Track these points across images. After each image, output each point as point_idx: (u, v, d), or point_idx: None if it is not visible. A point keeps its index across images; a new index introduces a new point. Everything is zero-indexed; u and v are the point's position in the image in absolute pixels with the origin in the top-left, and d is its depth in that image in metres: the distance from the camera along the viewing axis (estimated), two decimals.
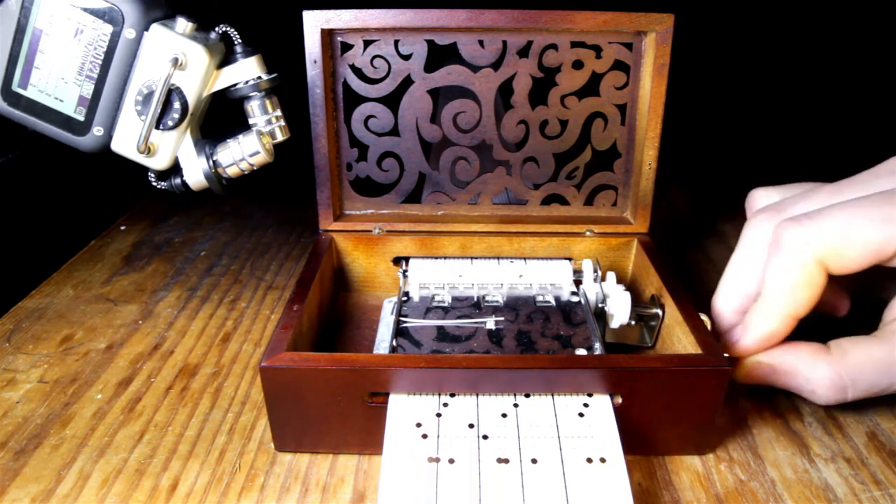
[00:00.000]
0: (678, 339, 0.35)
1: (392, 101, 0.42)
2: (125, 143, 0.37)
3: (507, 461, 0.28)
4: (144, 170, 0.39)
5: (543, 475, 0.28)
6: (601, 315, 0.39)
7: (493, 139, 0.43)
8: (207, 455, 0.33)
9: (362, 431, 0.32)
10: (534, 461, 0.28)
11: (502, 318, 0.38)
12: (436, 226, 0.45)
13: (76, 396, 0.37)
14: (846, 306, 0.37)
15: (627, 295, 0.38)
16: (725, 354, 0.31)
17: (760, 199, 0.37)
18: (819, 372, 0.31)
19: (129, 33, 0.35)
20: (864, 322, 0.34)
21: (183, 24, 0.36)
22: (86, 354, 0.40)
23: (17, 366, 0.39)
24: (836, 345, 0.32)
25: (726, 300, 0.35)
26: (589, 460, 0.29)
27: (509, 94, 0.42)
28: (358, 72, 0.42)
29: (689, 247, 0.54)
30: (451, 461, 0.29)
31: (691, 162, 0.75)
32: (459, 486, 0.27)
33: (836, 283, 0.35)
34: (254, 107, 0.39)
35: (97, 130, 0.37)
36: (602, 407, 0.31)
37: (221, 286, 0.49)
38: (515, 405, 0.31)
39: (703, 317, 0.34)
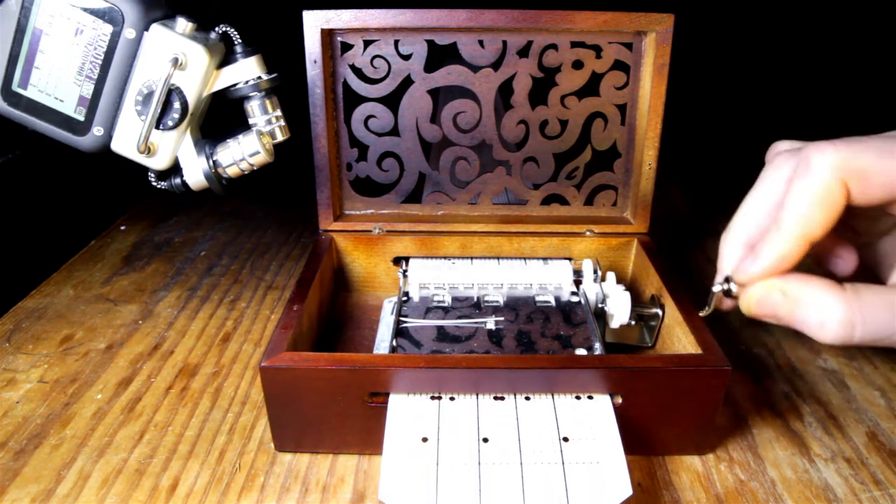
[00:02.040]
0: (678, 339, 0.35)
1: (392, 101, 0.42)
2: (125, 143, 0.37)
3: (502, 398, 0.29)
4: (144, 170, 0.39)
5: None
6: (601, 315, 0.39)
7: (493, 139, 0.43)
8: (207, 455, 0.33)
9: (362, 431, 0.32)
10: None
11: (502, 319, 0.38)
12: (436, 226, 0.45)
13: (76, 396, 0.37)
14: (853, 262, 0.36)
15: (627, 295, 0.38)
16: (733, 286, 0.30)
17: (784, 145, 0.37)
18: (830, 304, 0.30)
19: (129, 33, 0.35)
20: None
21: (183, 24, 0.36)
22: (86, 354, 0.40)
23: (17, 366, 0.39)
24: (850, 285, 0.31)
25: (737, 234, 0.34)
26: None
27: (509, 94, 0.42)
28: (358, 72, 0.42)
29: (689, 247, 0.54)
30: (452, 399, 0.29)
31: (691, 162, 0.75)
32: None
33: (845, 238, 0.35)
34: (254, 107, 0.38)
35: (97, 130, 0.37)
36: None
37: (221, 286, 0.49)
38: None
39: (700, 313, 0.33)
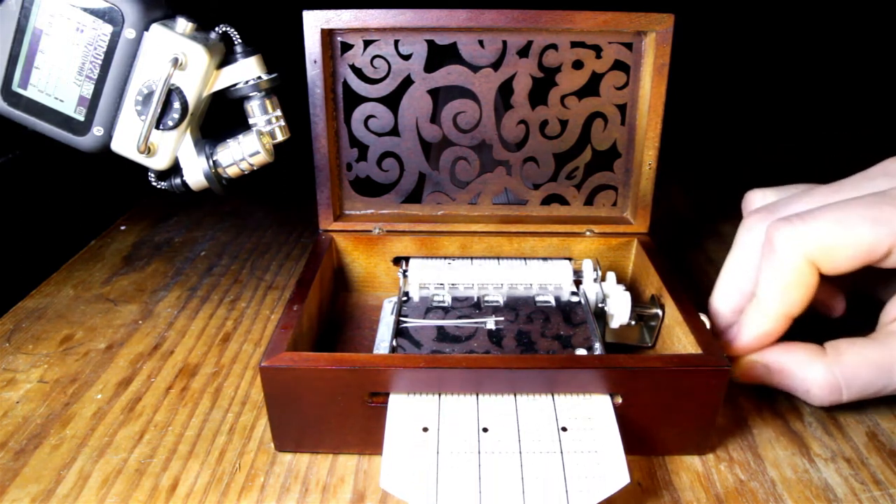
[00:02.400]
0: (678, 339, 0.35)
1: (392, 101, 0.42)
2: (125, 143, 0.37)
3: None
4: (144, 170, 0.39)
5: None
6: (601, 315, 0.39)
7: (493, 139, 0.43)
8: (207, 455, 0.33)
9: (362, 431, 0.32)
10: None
11: (502, 319, 0.38)
12: (436, 226, 0.45)
13: (76, 396, 0.37)
14: (842, 306, 0.37)
15: (627, 295, 0.38)
16: (725, 355, 0.31)
17: (756, 199, 0.38)
18: (814, 372, 0.31)
19: (129, 33, 0.35)
20: (861, 323, 0.34)
21: (183, 24, 0.36)
22: (86, 354, 0.40)
23: (17, 366, 0.39)
24: (831, 346, 0.32)
25: (722, 300, 0.36)
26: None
27: (509, 94, 0.42)
28: (358, 72, 0.42)
29: (689, 247, 0.54)
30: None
31: (691, 162, 0.75)
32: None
33: (832, 283, 0.35)
34: (254, 107, 0.38)
35: (97, 130, 0.37)
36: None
37: (221, 286, 0.49)
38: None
39: (703, 317, 0.34)
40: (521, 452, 0.29)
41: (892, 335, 0.31)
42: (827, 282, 0.33)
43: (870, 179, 0.32)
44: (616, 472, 0.28)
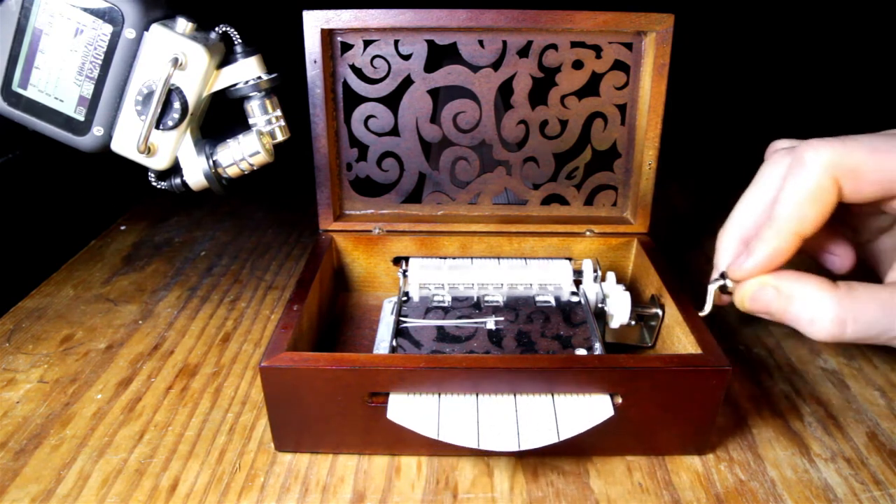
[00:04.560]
0: (678, 339, 0.35)
1: (392, 101, 0.42)
2: (125, 143, 0.37)
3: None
4: (144, 170, 0.39)
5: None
6: (601, 315, 0.39)
7: (493, 139, 0.43)
8: (207, 455, 0.33)
9: (362, 431, 0.32)
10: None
11: (502, 319, 0.38)
12: (436, 226, 0.45)
13: (76, 396, 0.37)
14: (851, 259, 0.36)
15: (627, 295, 0.38)
16: (728, 282, 0.31)
17: (783, 143, 0.37)
18: (823, 300, 0.30)
19: (129, 33, 0.35)
20: None
21: (183, 24, 0.36)
22: (86, 354, 0.40)
23: (17, 366, 0.39)
24: (844, 283, 0.31)
25: (733, 230, 0.34)
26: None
27: (509, 94, 0.42)
28: (358, 72, 0.42)
29: (689, 247, 0.54)
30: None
31: (691, 162, 0.75)
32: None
33: (843, 235, 0.35)
34: (254, 107, 0.38)
35: (97, 130, 0.37)
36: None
37: (221, 286, 0.49)
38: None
39: (700, 313, 0.34)
40: (515, 398, 0.31)
41: None
42: (839, 233, 0.33)
43: None
44: (601, 408, 0.31)
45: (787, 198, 0.31)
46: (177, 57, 0.35)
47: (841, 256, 0.36)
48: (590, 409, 0.31)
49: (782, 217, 0.31)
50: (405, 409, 0.31)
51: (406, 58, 0.41)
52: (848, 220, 0.35)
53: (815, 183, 0.30)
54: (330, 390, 0.31)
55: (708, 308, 0.34)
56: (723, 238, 0.35)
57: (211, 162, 0.39)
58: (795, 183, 0.30)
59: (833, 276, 0.32)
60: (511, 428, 0.30)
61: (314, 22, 0.40)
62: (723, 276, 0.33)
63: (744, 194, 0.35)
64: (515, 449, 0.29)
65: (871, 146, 0.29)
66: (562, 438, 0.30)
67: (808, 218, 0.30)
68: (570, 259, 0.44)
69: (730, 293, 0.32)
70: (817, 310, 0.30)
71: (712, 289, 0.33)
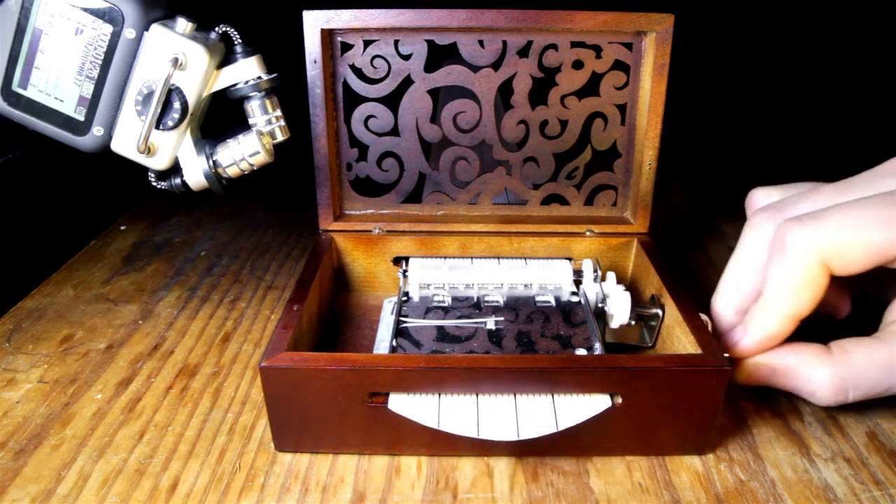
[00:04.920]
0: (678, 339, 0.35)
1: (392, 101, 0.42)
2: (125, 143, 0.37)
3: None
4: (144, 170, 0.39)
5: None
6: (601, 315, 0.39)
7: (493, 139, 0.43)
8: (207, 455, 0.33)
9: (362, 431, 0.32)
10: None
11: (502, 319, 0.38)
12: (436, 226, 0.45)
13: (76, 396, 0.37)
14: (847, 307, 0.37)
15: (627, 295, 0.38)
16: (726, 355, 0.31)
17: (761, 198, 0.37)
18: (820, 373, 0.31)
19: (129, 33, 0.35)
20: (864, 323, 0.34)
21: (183, 24, 0.36)
22: (86, 354, 0.40)
23: (17, 366, 0.39)
24: (837, 346, 0.31)
25: (726, 300, 0.35)
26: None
27: (509, 94, 0.42)
28: (358, 72, 0.42)
29: (689, 247, 0.54)
30: None
31: (691, 162, 0.75)
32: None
33: (838, 283, 0.35)
34: (254, 107, 0.38)
35: (97, 130, 0.37)
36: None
37: (221, 286, 0.49)
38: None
39: (703, 317, 0.34)
40: (515, 396, 0.32)
41: None
42: (833, 282, 0.33)
43: (880, 178, 0.31)
44: (600, 401, 0.31)
45: (777, 285, 0.31)
46: (177, 57, 0.35)
47: (838, 307, 0.36)
48: (588, 401, 0.31)
49: (776, 302, 0.31)
50: (406, 400, 0.31)
51: (406, 58, 0.41)
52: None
53: (804, 271, 0.30)
54: (330, 390, 0.31)
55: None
56: (716, 308, 0.36)
57: (211, 162, 0.39)
58: (783, 271, 0.30)
59: (830, 323, 0.32)
60: (510, 419, 0.30)
61: (314, 22, 0.40)
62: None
63: (731, 262, 0.35)
64: (514, 438, 0.30)
65: (851, 223, 0.29)
66: (560, 428, 0.30)
67: (803, 302, 0.31)
68: (570, 259, 0.44)
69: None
70: (816, 383, 0.31)
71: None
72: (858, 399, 0.31)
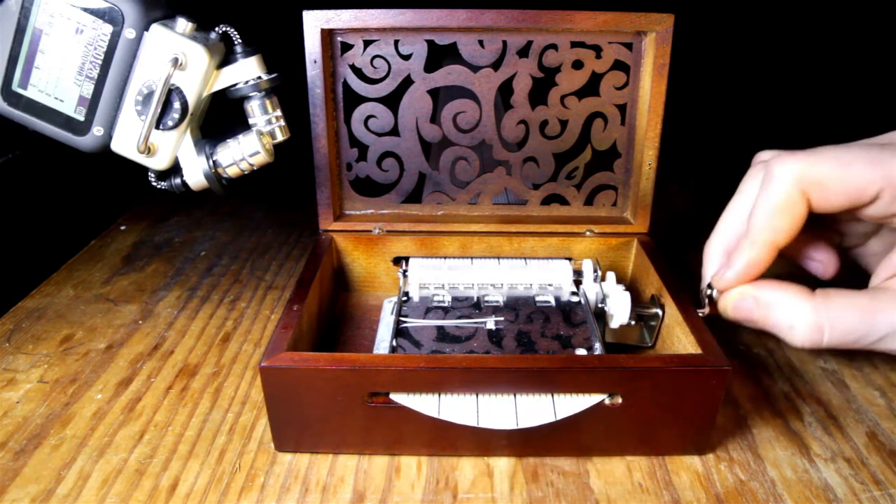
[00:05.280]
0: (678, 339, 0.35)
1: (392, 101, 0.42)
2: (125, 143, 0.37)
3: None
4: (144, 170, 0.39)
5: None
6: (601, 315, 0.39)
7: (493, 139, 0.43)
8: (207, 455, 0.33)
9: (362, 431, 0.32)
10: None
11: (502, 319, 0.38)
12: (436, 226, 0.45)
13: (76, 396, 0.37)
14: (834, 265, 0.37)
15: (627, 295, 0.38)
16: (714, 291, 0.32)
17: (766, 155, 0.38)
18: (799, 308, 0.31)
19: (129, 33, 0.35)
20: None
21: (183, 24, 0.36)
22: (86, 354, 0.40)
23: (17, 366, 0.39)
24: (821, 291, 0.32)
25: (719, 241, 0.36)
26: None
27: (509, 94, 0.42)
28: (358, 72, 0.42)
29: (689, 247, 0.54)
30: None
31: (691, 162, 0.75)
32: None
33: (825, 241, 0.36)
34: (254, 107, 0.38)
35: (97, 130, 0.37)
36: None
37: (221, 286, 0.49)
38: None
39: (700, 312, 0.34)
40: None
41: (882, 290, 0.32)
42: (821, 238, 0.34)
43: (878, 141, 0.33)
44: (597, 397, 0.31)
45: (759, 210, 0.32)
46: (177, 57, 0.35)
47: (824, 263, 0.37)
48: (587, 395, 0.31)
49: (756, 229, 0.32)
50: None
51: (406, 58, 0.41)
52: (835, 225, 0.36)
53: (784, 195, 0.31)
54: (330, 390, 0.31)
55: (706, 310, 0.34)
56: (708, 249, 0.37)
57: (211, 162, 0.39)
58: (766, 196, 0.32)
59: (819, 283, 0.32)
60: (509, 408, 0.31)
61: (314, 22, 0.40)
62: (709, 286, 0.34)
63: (727, 207, 0.37)
64: (513, 427, 0.30)
65: (835, 158, 0.31)
66: (558, 418, 0.30)
67: (781, 228, 0.32)
68: (570, 259, 0.44)
69: (716, 302, 0.33)
70: (795, 317, 0.31)
71: (703, 296, 0.34)
72: (833, 343, 0.31)
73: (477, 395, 0.32)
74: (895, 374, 0.39)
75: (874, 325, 0.31)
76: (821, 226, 0.33)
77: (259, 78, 0.38)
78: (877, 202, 0.30)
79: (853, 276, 0.36)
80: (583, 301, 0.40)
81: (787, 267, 0.34)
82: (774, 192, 0.31)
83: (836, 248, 0.37)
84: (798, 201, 0.31)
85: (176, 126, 0.37)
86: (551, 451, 0.33)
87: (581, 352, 0.35)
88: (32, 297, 0.47)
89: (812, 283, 0.32)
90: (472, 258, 0.44)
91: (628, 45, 0.41)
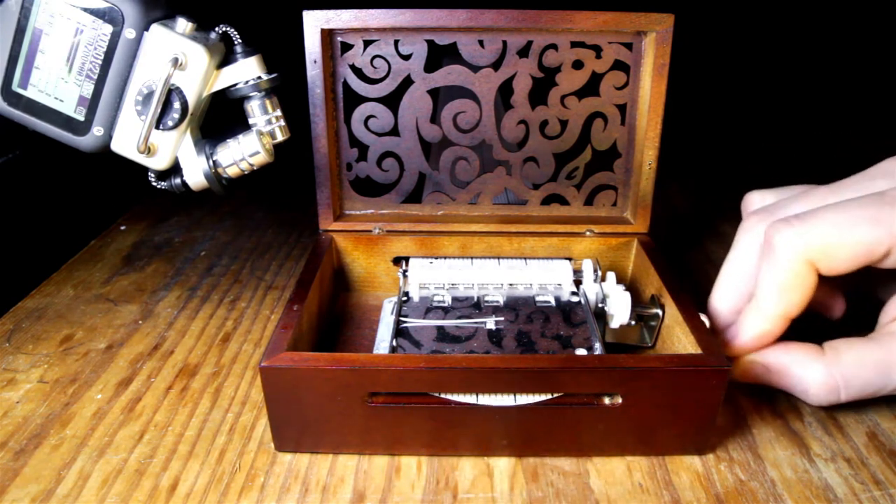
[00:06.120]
0: (678, 339, 0.35)
1: (392, 101, 0.42)
2: (125, 143, 0.37)
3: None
4: (144, 170, 0.39)
5: None
6: (601, 315, 0.39)
7: (493, 139, 0.43)
8: (207, 455, 0.33)
9: (362, 431, 0.32)
10: None
11: (502, 319, 0.38)
12: (436, 226, 0.45)
13: (76, 396, 0.37)
14: (841, 307, 0.37)
15: (627, 295, 0.38)
16: (724, 354, 0.31)
17: (755, 201, 0.38)
18: (813, 372, 0.31)
19: (129, 33, 0.35)
20: (861, 324, 0.34)
21: (183, 24, 0.36)
22: (86, 354, 0.40)
23: (17, 366, 0.39)
24: (830, 346, 0.32)
25: (722, 300, 0.36)
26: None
27: (509, 94, 0.42)
28: (358, 72, 0.42)
29: (689, 247, 0.55)
30: None
31: (691, 162, 0.75)
32: None
33: (831, 283, 0.36)
34: (254, 107, 0.38)
35: (97, 130, 0.37)
36: None
37: (221, 286, 0.49)
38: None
39: (703, 317, 0.34)
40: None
41: (891, 335, 0.31)
42: (826, 282, 0.33)
43: (869, 180, 0.32)
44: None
45: (766, 286, 0.32)
46: (177, 57, 0.35)
47: (832, 307, 0.37)
48: None
49: (766, 303, 0.32)
50: None
51: (406, 58, 0.41)
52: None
53: (792, 273, 0.30)
54: (330, 390, 0.31)
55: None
56: (712, 308, 0.37)
57: (211, 162, 0.39)
58: (772, 273, 0.31)
59: (827, 323, 0.32)
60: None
61: (314, 22, 0.40)
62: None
63: (725, 263, 0.37)
64: (512, 404, 0.31)
65: (835, 225, 0.29)
66: (555, 395, 0.31)
67: (792, 302, 0.31)
68: (570, 259, 0.44)
69: None
70: (808, 381, 0.31)
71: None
72: (851, 399, 0.31)
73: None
74: None
75: (890, 377, 0.30)
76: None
77: (259, 78, 0.38)
78: (890, 256, 0.29)
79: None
80: (583, 301, 0.40)
81: None
82: (781, 269, 0.30)
83: (842, 290, 0.37)
84: (807, 274, 0.30)
85: (176, 126, 0.37)
86: (551, 451, 0.33)
87: (581, 352, 0.35)
88: (32, 297, 0.47)
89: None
90: (472, 258, 0.44)
91: (628, 45, 0.41)
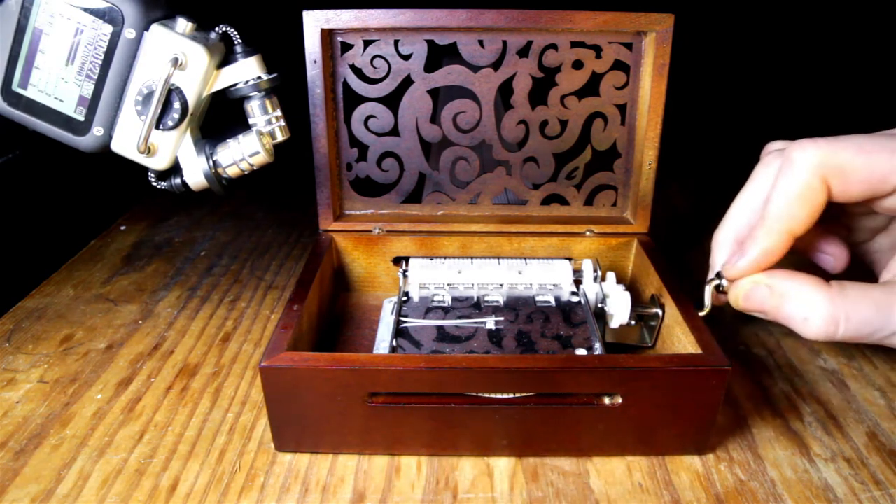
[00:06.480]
0: (678, 339, 0.35)
1: (392, 101, 0.42)
2: (125, 143, 0.37)
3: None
4: (144, 170, 0.39)
5: None
6: (601, 315, 0.39)
7: (493, 139, 0.43)
8: (207, 455, 0.33)
9: (362, 431, 0.32)
10: None
11: (502, 319, 0.38)
12: (436, 226, 0.45)
13: (76, 396, 0.37)
14: (844, 259, 0.36)
15: (627, 295, 0.38)
16: (724, 281, 0.32)
17: (777, 145, 0.38)
18: (816, 299, 0.30)
19: (129, 33, 0.35)
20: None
21: (183, 24, 0.36)
22: (86, 354, 0.40)
23: (17, 366, 0.39)
24: (836, 282, 0.32)
25: (728, 230, 0.35)
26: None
27: (509, 94, 0.42)
28: (358, 72, 0.42)
29: (689, 247, 0.54)
30: None
31: (691, 162, 0.75)
32: None
33: (836, 235, 0.36)
34: (254, 107, 0.38)
35: (97, 130, 0.37)
36: None
37: (221, 286, 0.49)
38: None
39: (710, 285, 0.34)
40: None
41: (893, 283, 0.31)
42: (832, 232, 0.34)
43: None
44: None
45: (777, 197, 0.31)
46: (177, 57, 0.35)
47: (835, 256, 0.36)
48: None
49: (773, 216, 0.31)
50: None
51: (406, 58, 0.41)
52: (843, 220, 0.35)
53: (804, 182, 0.30)
54: (330, 390, 0.31)
55: (707, 308, 0.34)
56: (718, 238, 0.36)
57: (211, 162, 0.39)
58: (785, 183, 0.31)
59: (827, 276, 0.32)
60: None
61: (314, 22, 0.40)
62: (718, 275, 0.33)
63: (738, 195, 0.36)
64: (511, 395, 0.31)
65: (858, 146, 0.30)
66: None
67: (799, 217, 0.31)
68: (570, 259, 0.44)
69: (725, 292, 0.33)
70: (810, 309, 0.30)
71: (709, 288, 0.34)
72: (847, 336, 0.30)
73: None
74: (895, 374, 0.39)
75: (889, 318, 0.30)
76: (830, 219, 0.32)
77: (259, 78, 0.38)
78: None
79: (856, 273, 0.36)
80: (583, 301, 0.40)
81: (794, 260, 0.33)
82: (794, 179, 0.30)
83: (847, 245, 0.37)
84: (818, 189, 0.30)
85: (176, 126, 0.37)
86: (551, 451, 0.33)
87: (581, 352, 0.35)
88: (32, 297, 0.47)
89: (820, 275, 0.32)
90: (472, 258, 0.44)
91: (628, 45, 0.41)
